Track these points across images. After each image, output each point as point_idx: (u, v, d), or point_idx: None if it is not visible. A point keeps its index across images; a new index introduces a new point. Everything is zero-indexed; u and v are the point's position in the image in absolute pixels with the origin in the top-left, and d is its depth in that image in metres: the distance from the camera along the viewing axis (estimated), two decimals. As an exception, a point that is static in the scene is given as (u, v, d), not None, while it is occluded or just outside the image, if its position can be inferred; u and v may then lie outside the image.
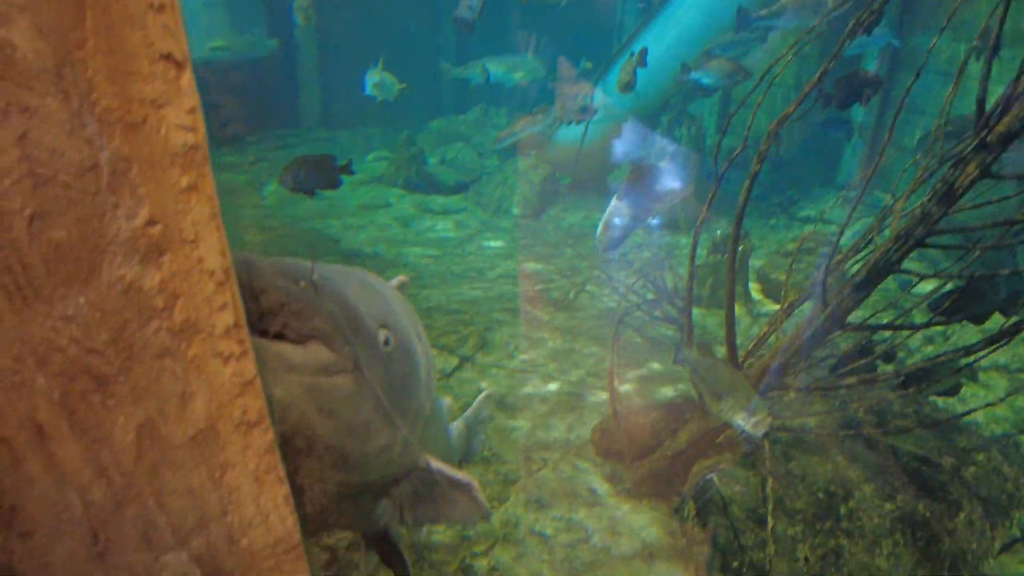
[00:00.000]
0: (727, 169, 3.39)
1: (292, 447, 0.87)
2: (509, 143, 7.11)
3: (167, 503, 0.64)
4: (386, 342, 1.02)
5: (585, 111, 8.66)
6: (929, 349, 5.74)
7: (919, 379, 3.25)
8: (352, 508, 1.21)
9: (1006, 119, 2.77)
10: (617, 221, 4.27)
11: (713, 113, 11.41)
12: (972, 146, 2.97)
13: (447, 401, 2.21)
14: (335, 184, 4.57)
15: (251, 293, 0.83)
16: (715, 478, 3.31)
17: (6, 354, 0.51)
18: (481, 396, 2.63)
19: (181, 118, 0.56)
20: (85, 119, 0.50)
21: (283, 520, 0.74)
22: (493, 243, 7.84)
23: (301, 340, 0.89)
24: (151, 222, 0.56)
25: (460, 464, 2.52)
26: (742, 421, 2.49)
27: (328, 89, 12.93)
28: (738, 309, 6.54)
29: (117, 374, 0.57)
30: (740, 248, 6.60)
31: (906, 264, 3.28)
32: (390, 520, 1.27)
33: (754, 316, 6.44)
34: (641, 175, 4.10)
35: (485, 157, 10.87)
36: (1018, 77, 2.55)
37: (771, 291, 6.82)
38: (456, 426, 2.31)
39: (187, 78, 0.54)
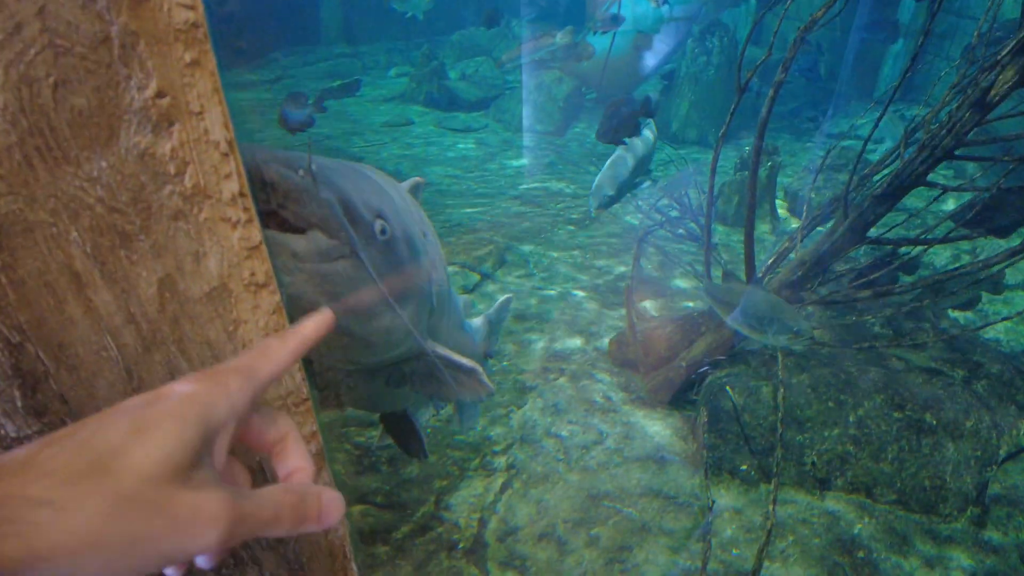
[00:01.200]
0: (750, 79, 3.27)
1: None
2: (511, 67, 6.89)
3: (188, 351, 0.74)
4: (382, 231, 1.09)
5: (614, 20, 8.29)
6: (955, 266, 5.65)
7: (935, 291, 3.24)
8: (368, 389, 1.34)
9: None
10: (615, 178, 3.90)
11: (748, 22, 10.82)
12: (1011, 49, 2.81)
13: (466, 298, 2.31)
14: (310, 122, 4.75)
15: (254, 175, 0.91)
16: (728, 387, 3.42)
17: (44, 208, 0.60)
18: (502, 298, 2.72)
19: (179, -5, 0.61)
20: (93, -7, 0.56)
21: (292, 375, 0.84)
22: (515, 162, 7.76)
23: (302, 229, 0.97)
24: (160, 94, 0.63)
25: (484, 359, 2.64)
26: (790, 342, 2.51)
27: (349, 3, 12.54)
28: (763, 226, 6.47)
29: (138, 232, 0.66)
30: (768, 164, 6.45)
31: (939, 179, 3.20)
32: (403, 397, 1.39)
33: (779, 234, 6.36)
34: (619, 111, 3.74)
35: (507, 71, 10.57)
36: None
37: (798, 208, 6.70)
38: (477, 323, 2.42)
39: (182, -44, 0.59)
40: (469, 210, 6.01)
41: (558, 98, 9.19)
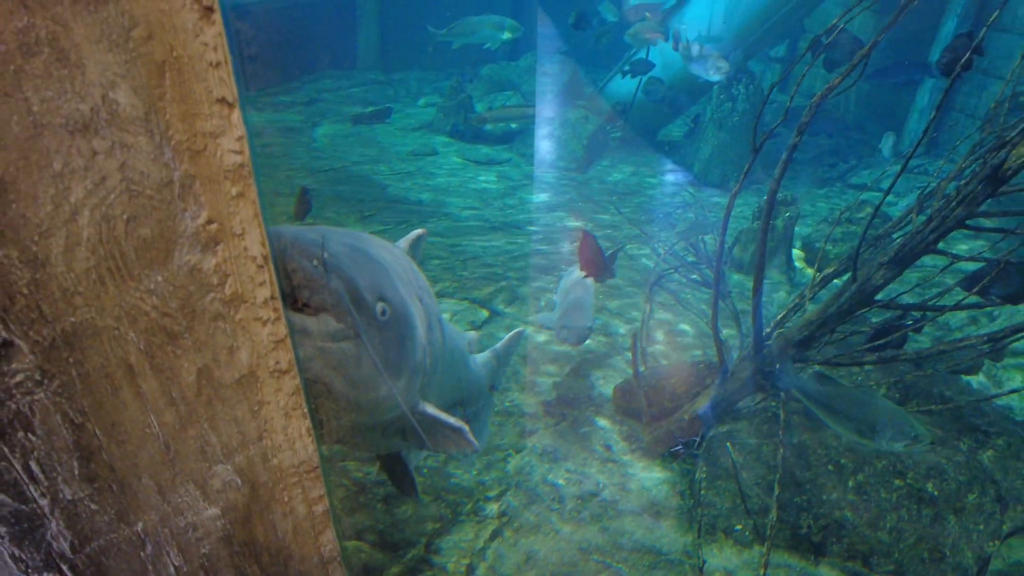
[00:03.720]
0: (766, 140, 3.35)
1: (314, 392, 1.10)
2: (489, 128, 7.07)
3: (218, 427, 0.86)
4: (383, 312, 1.23)
5: (644, 65, 8.47)
6: (971, 329, 5.63)
7: (936, 360, 3.27)
8: (366, 438, 1.48)
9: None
10: (587, 308, 3.66)
11: (776, 70, 10.97)
12: (1021, 129, 2.88)
13: (472, 335, 2.44)
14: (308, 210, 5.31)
15: (283, 269, 1.05)
16: (729, 444, 3.45)
17: (110, 315, 0.72)
18: (512, 332, 2.81)
19: (232, 144, 0.74)
20: (163, 149, 0.69)
21: (305, 447, 0.95)
22: (535, 197, 7.91)
23: (316, 311, 1.11)
24: (210, 221, 0.76)
25: (491, 389, 2.73)
26: (904, 447, 2.49)
27: (386, 32, 12.94)
28: (778, 277, 6.50)
29: (184, 331, 0.78)
30: (786, 215, 6.50)
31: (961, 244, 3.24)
32: (398, 446, 1.53)
33: (794, 285, 6.38)
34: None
35: (533, 107, 10.76)
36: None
37: (815, 260, 6.71)
38: (485, 357, 2.53)
39: (236, 114, 0.72)
40: (485, 244, 6.14)
41: (583, 136, 9.37)
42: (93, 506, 0.77)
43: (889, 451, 2.67)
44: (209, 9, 0.63)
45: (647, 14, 7.66)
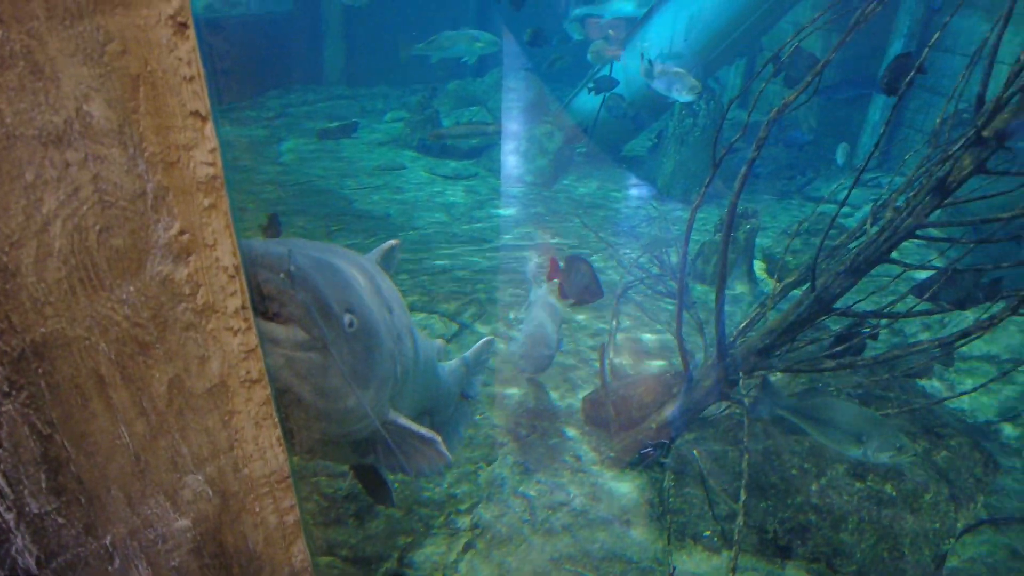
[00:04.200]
0: (725, 155, 3.45)
1: (283, 402, 1.11)
2: (449, 143, 7.22)
3: (189, 437, 0.86)
4: (350, 324, 1.25)
5: (608, 82, 8.64)
6: (925, 335, 5.84)
7: (890, 366, 3.40)
8: (336, 450, 1.48)
9: (1004, 115, 2.81)
10: (548, 335, 3.63)
11: (736, 86, 11.29)
12: (965, 141, 3.03)
13: (439, 343, 2.44)
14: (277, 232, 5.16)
15: (252, 282, 1.06)
16: (696, 451, 3.52)
17: (81, 325, 0.73)
18: (482, 340, 2.82)
19: (204, 156, 0.75)
20: (137, 161, 0.70)
21: (276, 457, 0.96)
22: (502, 211, 7.97)
23: (285, 321, 1.13)
24: (182, 232, 0.77)
25: (463, 397, 2.73)
26: (889, 458, 2.55)
27: (352, 47, 12.94)
28: (741, 288, 6.65)
29: (155, 341, 0.78)
30: (747, 227, 6.68)
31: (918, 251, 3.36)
32: (370, 460, 1.53)
33: (756, 295, 6.53)
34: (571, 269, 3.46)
35: (493, 124, 10.85)
36: (1018, 74, 2.58)
37: (776, 270, 6.88)
38: (453, 364, 2.53)
39: (209, 127, 0.73)
40: (453, 258, 6.16)
41: (549, 151, 9.48)
42: (60, 519, 0.76)
43: (875, 463, 2.77)
44: (183, 25, 0.65)
45: (610, 31, 7.84)
